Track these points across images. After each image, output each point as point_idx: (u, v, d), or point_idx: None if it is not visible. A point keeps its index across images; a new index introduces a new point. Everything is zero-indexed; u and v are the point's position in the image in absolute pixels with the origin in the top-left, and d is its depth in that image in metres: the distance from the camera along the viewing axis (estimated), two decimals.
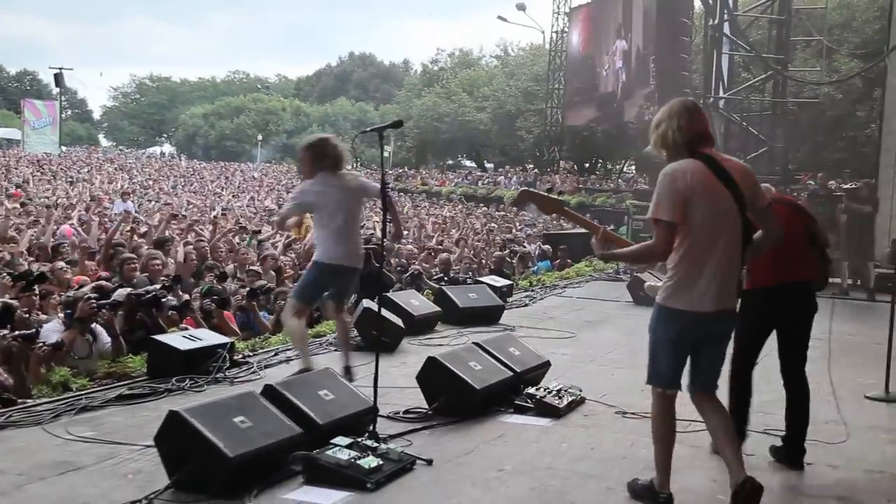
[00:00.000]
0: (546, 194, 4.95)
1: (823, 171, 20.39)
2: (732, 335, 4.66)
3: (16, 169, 36.21)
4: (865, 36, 29.36)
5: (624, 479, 4.76)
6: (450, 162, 63.29)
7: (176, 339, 7.05)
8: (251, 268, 10.93)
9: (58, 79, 64.08)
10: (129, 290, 8.08)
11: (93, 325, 7.28)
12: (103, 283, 8.45)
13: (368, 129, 6.07)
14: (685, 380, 4.44)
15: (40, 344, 6.58)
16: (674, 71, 24.75)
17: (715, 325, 4.31)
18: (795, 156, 25.74)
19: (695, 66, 26.63)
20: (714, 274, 4.21)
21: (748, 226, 4.32)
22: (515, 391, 6.53)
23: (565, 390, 6.59)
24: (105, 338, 7.39)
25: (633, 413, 6.29)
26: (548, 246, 18.84)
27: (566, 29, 40.91)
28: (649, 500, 4.49)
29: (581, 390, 6.72)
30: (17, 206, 17.43)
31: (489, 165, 58.31)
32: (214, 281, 9.88)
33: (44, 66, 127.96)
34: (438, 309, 10.10)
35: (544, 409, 6.27)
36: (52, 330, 7.13)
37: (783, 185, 19.61)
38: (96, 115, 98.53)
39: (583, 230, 5.34)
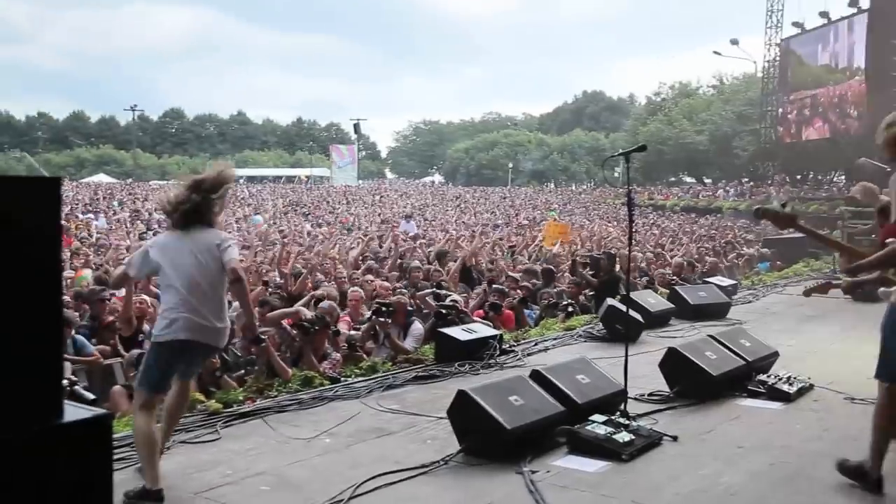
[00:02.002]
0: (779, 209, 4.47)
1: None
2: None
3: (329, 198, 38.96)
4: None
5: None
6: (672, 179, 61.09)
7: (457, 332, 7.26)
8: (511, 275, 11.06)
9: (356, 127, 68.65)
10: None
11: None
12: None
13: (616, 154, 5.95)
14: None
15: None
16: (884, 76, 22.47)
17: None
18: None
19: None
20: None
21: None
22: (747, 378, 6.17)
23: (794, 378, 6.15)
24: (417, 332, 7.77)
25: (861, 399, 5.74)
26: (766, 249, 17.77)
27: (777, 58, 38.41)
28: (860, 479, 4.09)
29: (809, 378, 6.24)
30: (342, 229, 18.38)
31: (708, 181, 55.74)
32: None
33: (344, 118, 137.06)
34: (672, 306, 9.75)
35: (776, 394, 5.89)
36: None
37: None
38: (383, 154, 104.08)
39: (798, 235, 4.86)
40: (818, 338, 8.61)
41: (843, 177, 39.32)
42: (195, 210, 4.19)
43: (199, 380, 6.21)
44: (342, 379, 6.30)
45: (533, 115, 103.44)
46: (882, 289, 4.28)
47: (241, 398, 5.64)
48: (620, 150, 5.68)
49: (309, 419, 5.37)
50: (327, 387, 6.01)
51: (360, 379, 6.36)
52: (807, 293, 6.88)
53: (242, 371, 6.34)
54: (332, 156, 73.25)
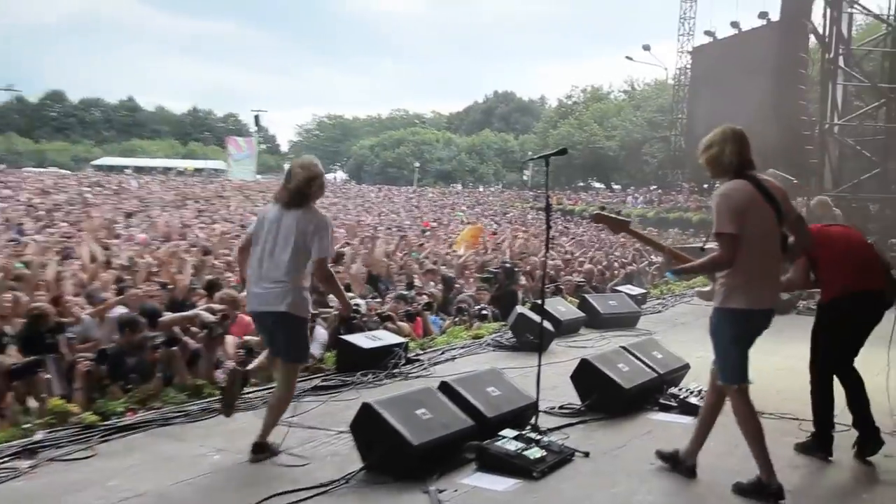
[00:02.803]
0: (614, 216, 4.98)
1: None
2: (823, 342, 4.93)
3: (223, 193, 38.02)
4: None
5: None
6: (581, 184, 62.53)
7: (360, 339, 7.12)
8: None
9: (256, 119, 67.39)
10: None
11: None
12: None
13: (536, 156, 5.94)
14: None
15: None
16: (791, 101, 23.62)
17: (765, 321, 4.35)
18: None
19: (811, 96, 25.35)
20: (764, 276, 4.27)
21: (784, 236, 4.41)
22: (659, 391, 6.26)
23: (705, 391, 6.25)
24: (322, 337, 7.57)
25: (770, 414, 5.88)
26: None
27: (689, 66, 39.80)
28: (758, 494, 4.29)
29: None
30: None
31: (616, 187, 57.30)
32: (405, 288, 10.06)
33: (244, 110, 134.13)
34: (583, 314, 9.87)
35: (687, 408, 5.98)
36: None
37: None
38: (284, 148, 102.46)
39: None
40: None
41: None
42: (299, 191, 4.69)
43: (84, 388, 5.88)
44: None
45: (442, 113, 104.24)
46: (698, 288, 4.79)
47: (121, 409, 5.34)
48: (542, 153, 5.64)
49: (197, 433, 5.13)
50: (218, 397, 5.75)
51: (254, 389, 6.13)
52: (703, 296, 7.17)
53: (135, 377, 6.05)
54: (229, 148, 71.63)
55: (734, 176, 4.31)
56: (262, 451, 4.67)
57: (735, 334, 4.32)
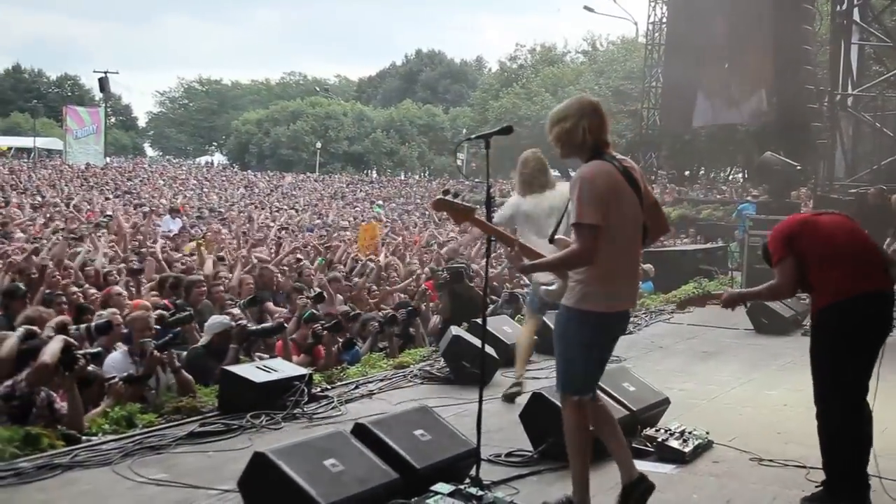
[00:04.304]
0: (456, 202, 5.28)
1: None
2: (820, 367, 5.15)
3: (58, 181, 37.20)
4: None
5: None
6: None
7: (250, 371, 7.11)
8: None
9: (102, 83, 65.87)
10: (226, 318, 8.40)
11: None
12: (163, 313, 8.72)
13: (473, 136, 6.04)
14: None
15: (114, 378, 6.73)
16: (794, 65, 24.21)
17: (622, 324, 4.91)
18: None
19: (820, 59, 26.05)
20: (625, 274, 4.72)
21: (644, 225, 4.82)
22: (632, 432, 6.41)
23: (689, 432, 6.45)
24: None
25: (770, 460, 6.12)
26: (649, 265, 18.47)
27: (665, 19, 40.46)
28: None
29: (708, 433, 6.58)
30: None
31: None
32: (309, 304, 10.04)
33: (86, 71, 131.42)
34: (535, 336, 10.00)
35: (667, 454, 6.15)
36: (120, 362, 7.27)
37: None
38: (142, 123, 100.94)
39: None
40: (717, 380, 9.12)
41: (740, 175, 42.13)
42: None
43: None
44: (83, 438, 6.00)
45: (350, 79, 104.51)
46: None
47: None
48: (479, 133, 5.74)
49: (34, 498, 5.05)
50: (62, 450, 5.69)
51: (111, 438, 6.08)
52: (681, 305, 7.42)
53: None
54: (67, 121, 69.85)
55: (590, 156, 4.69)
56: None
57: (586, 340, 4.69)
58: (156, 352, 7.10)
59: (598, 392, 5.04)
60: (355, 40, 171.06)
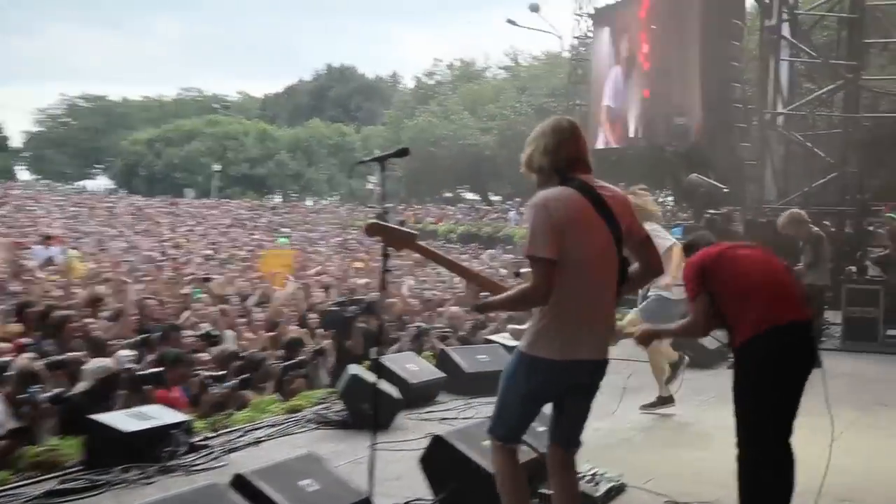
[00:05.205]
0: (396, 227, 5.27)
1: None
2: (741, 407, 5.19)
3: None
4: None
5: None
6: (448, 195, 63.47)
7: (119, 419, 6.99)
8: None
9: None
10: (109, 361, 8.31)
11: None
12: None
13: (368, 158, 6.04)
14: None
15: None
16: (721, 82, 24.73)
17: (583, 377, 4.64)
18: (871, 182, 25.58)
19: (748, 76, 26.64)
20: (589, 318, 4.51)
21: (624, 262, 4.63)
22: (541, 478, 6.44)
23: (601, 475, 6.52)
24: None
25: (685, 503, 6.21)
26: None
27: (590, 33, 41.12)
28: None
29: (621, 475, 6.65)
30: None
31: (496, 198, 58.49)
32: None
33: None
34: (442, 374, 10.02)
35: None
36: None
37: (857, 216, 19.47)
38: (15, 142, 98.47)
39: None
40: (633, 419, 9.20)
41: (670, 196, 42.73)
42: None
43: None
44: None
45: (253, 95, 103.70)
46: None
47: None
48: (373, 156, 5.75)
49: None
50: None
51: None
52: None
53: None
54: None
55: (559, 181, 4.52)
56: None
57: (529, 390, 4.61)
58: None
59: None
60: (259, 53, 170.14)
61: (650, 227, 7.71)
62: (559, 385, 4.61)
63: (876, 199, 22.45)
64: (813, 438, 5.57)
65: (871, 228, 18.70)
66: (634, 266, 4.73)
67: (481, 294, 4.85)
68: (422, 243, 5.15)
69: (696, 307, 5.38)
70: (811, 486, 5.67)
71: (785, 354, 5.19)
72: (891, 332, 14.90)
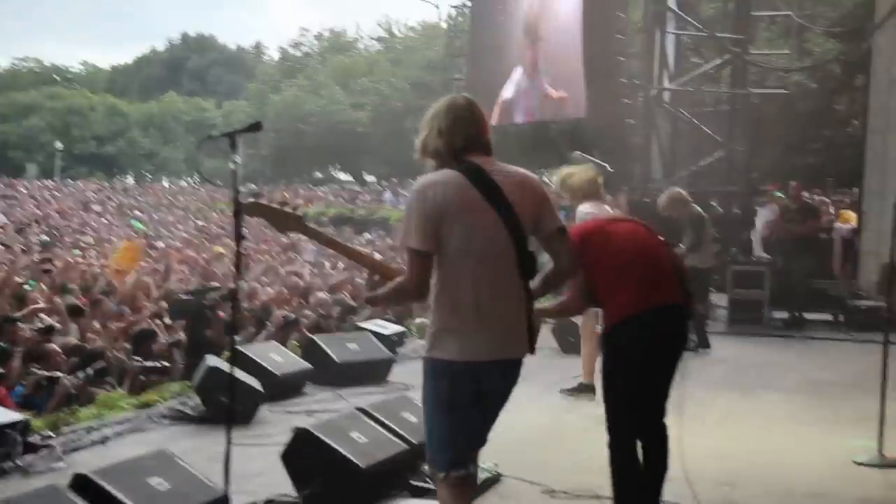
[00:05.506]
0: (279, 208, 5.11)
1: (797, 179, 20.56)
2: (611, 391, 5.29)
3: None
4: (844, 10, 30.20)
5: None
6: (318, 175, 63.20)
7: None
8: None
9: None
10: None
11: None
12: None
13: (218, 133, 5.89)
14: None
15: None
16: (605, 56, 25.04)
17: (492, 379, 4.37)
18: (759, 161, 26.25)
19: (633, 49, 27.09)
20: (486, 315, 4.24)
21: (527, 255, 4.36)
22: (412, 469, 6.51)
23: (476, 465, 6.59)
24: None
25: (564, 492, 6.34)
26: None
27: (468, 1, 41.27)
28: None
29: (496, 465, 6.74)
30: None
31: (370, 178, 58.48)
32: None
33: None
34: (308, 365, 10.03)
35: None
36: None
37: (745, 196, 19.97)
38: None
39: None
40: (512, 406, 9.30)
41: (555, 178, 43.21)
42: None
43: None
44: None
45: (100, 66, 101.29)
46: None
47: None
48: (223, 131, 5.65)
49: None
50: None
51: None
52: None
53: None
54: None
55: (453, 164, 4.33)
56: None
57: (441, 399, 4.32)
58: None
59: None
60: (106, 18, 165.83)
61: (584, 207, 8.02)
62: (465, 390, 4.26)
63: (763, 179, 23.12)
64: (693, 423, 5.73)
65: (758, 209, 19.18)
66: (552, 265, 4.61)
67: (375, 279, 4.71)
68: (311, 225, 4.95)
69: (573, 285, 5.38)
70: (690, 470, 5.85)
71: (653, 338, 5.27)
72: (776, 314, 15.42)
